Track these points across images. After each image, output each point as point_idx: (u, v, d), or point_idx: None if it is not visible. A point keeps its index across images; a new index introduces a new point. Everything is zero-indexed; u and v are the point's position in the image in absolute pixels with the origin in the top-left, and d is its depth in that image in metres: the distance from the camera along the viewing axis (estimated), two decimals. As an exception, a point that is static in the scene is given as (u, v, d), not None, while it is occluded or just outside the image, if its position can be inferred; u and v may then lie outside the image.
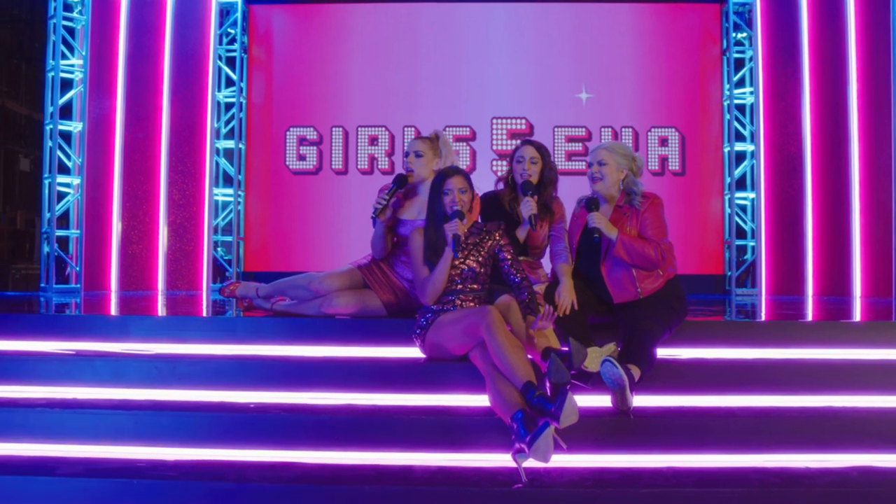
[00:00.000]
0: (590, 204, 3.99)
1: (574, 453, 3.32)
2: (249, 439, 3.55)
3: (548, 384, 3.43)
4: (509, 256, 3.92)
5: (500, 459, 3.38)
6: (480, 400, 3.59)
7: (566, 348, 3.56)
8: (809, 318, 5.29)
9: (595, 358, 3.63)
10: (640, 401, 3.65)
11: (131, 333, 4.32)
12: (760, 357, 4.13)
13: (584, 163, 8.27)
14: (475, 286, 3.89)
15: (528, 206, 4.16)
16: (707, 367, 4.03)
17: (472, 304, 3.85)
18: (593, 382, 3.60)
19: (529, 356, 3.60)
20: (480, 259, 3.90)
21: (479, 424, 3.54)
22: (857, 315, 5.49)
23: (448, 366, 3.81)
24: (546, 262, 4.48)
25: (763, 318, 5.37)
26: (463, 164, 8.57)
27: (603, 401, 3.63)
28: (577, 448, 3.33)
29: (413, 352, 3.99)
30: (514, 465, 3.26)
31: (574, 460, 3.39)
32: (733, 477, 3.35)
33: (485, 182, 4.56)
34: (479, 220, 4.06)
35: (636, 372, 3.57)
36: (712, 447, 3.52)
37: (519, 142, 4.52)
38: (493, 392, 3.42)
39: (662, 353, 3.90)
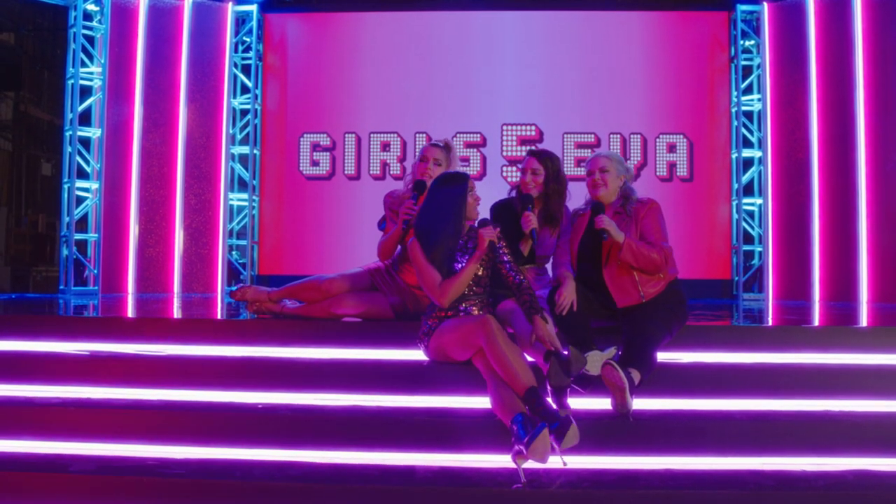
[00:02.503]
0: (596, 207, 4.02)
1: (573, 454, 3.35)
2: (257, 439, 3.61)
3: (548, 386, 3.48)
4: (508, 259, 3.92)
5: (500, 460, 3.42)
6: (481, 402, 3.63)
7: (567, 352, 3.59)
8: (815, 322, 5.29)
9: (596, 361, 3.66)
10: (639, 404, 3.67)
11: (145, 335, 4.38)
12: (761, 361, 4.14)
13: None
14: (478, 289, 3.91)
15: (528, 222, 4.14)
16: (707, 371, 4.05)
17: (475, 308, 3.87)
18: (593, 387, 3.63)
19: (531, 358, 3.64)
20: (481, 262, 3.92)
21: (479, 426, 3.57)
22: (864, 320, 5.49)
23: (450, 369, 3.85)
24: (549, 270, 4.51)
25: (769, 322, 5.38)
26: (473, 170, 8.62)
27: (602, 403, 3.66)
28: (575, 450, 3.34)
29: (417, 354, 4.03)
30: (513, 466, 3.30)
31: (572, 461, 3.40)
32: (729, 479, 3.36)
33: (495, 188, 4.59)
34: (475, 224, 4.04)
35: (636, 375, 3.59)
36: (709, 450, 3.54)
37: (526, 154, 4.54)
38: (495, 396, 3.46)
39: (664, 356, 3.92)
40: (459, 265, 3.82)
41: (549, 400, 3.47)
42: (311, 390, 3.91)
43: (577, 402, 3.64)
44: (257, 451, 3.57)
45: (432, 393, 3.86)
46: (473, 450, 3.54)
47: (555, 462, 3.24)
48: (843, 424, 3.66)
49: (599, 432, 3.53)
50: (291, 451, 3.57)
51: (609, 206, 4.12)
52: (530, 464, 3.23)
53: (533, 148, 4.76)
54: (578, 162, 8.56)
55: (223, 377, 3.99)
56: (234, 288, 4.96)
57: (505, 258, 3.90)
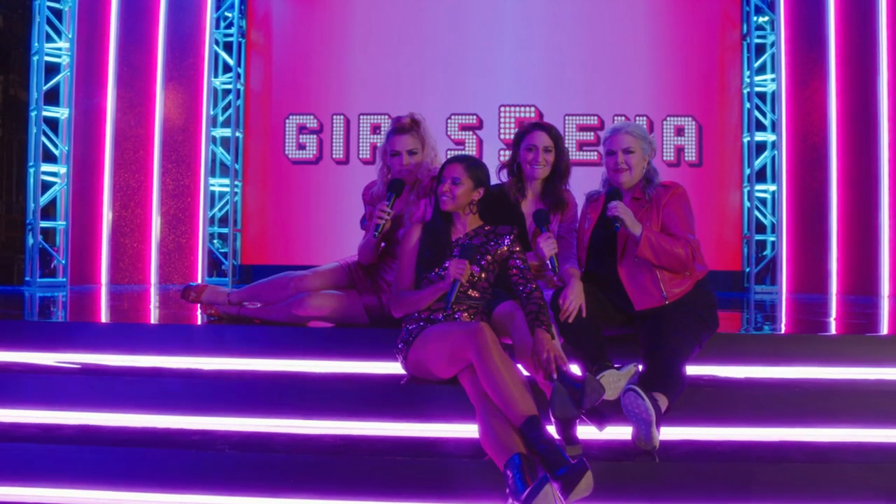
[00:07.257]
0: (612, 194, 3.13)
1: (585, 504, 2.47)
2: (187, 482, 2.71)
3: (552, 416, 2.60)
4: (520, 265, 3.06)
5: (492, 512, 2.54)
6: (471, 431, 2.75)
7: (581, 375, 2.70)
8: (836, 325, 4.40)
9: (612, 383, 2.80)
10: (666, 433, 2.77)
11: (75, 343, 3.49)
12: (824, 377, 3.25)
13: (595, 153, 7.44)
14: (474, 294, 3.03)
15: (550, 245, 3.12)
16: (749, 390, 3.13)
17: (465, 314, 3.00)
18: (609, 417, 2.73)
19: (527, 373, 2.78)
20: (483, 264, 3.03)
21: (467, 465, 2.68)
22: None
23: (435, 388, 2.96)
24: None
25: (782, 328, 4.49)
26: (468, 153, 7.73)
27: (619, 432, 2.76)
28: (586, 498, 2.47)
29: (394, 367, 3.15)
30: (509, 521, 2.42)
31: (583, 514, 2.54)
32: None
33: (492, 174, 3.66)
34: (485, 224, 3.16)
35: (663, 402, 2.70)
36: (756, 499, 2.64)
37: (527, 125, 3.60)
38: (484, 427, 2.59)
39: (693, 370, 3.04)
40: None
41: (554, 433, 2.59)
42: (259, 415, 3.02)
43: (586, 431, 2.74)
44: (185, 498, 2.68)
45: (410, 418, 2.98)
46: (460, 497, 2.64)
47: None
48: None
49: (616, 474, 2.65)
50: (228, 498, 2.68)
51: (627, 191, 3.23)
52: (530, 520, 2.34)
53: (534, 122, 3.83)
54: (581, 145, 7.75)
55: (156, 398, 3.08)
56: (184, 286, 4.01)
57: (516, 262, 3.05)
